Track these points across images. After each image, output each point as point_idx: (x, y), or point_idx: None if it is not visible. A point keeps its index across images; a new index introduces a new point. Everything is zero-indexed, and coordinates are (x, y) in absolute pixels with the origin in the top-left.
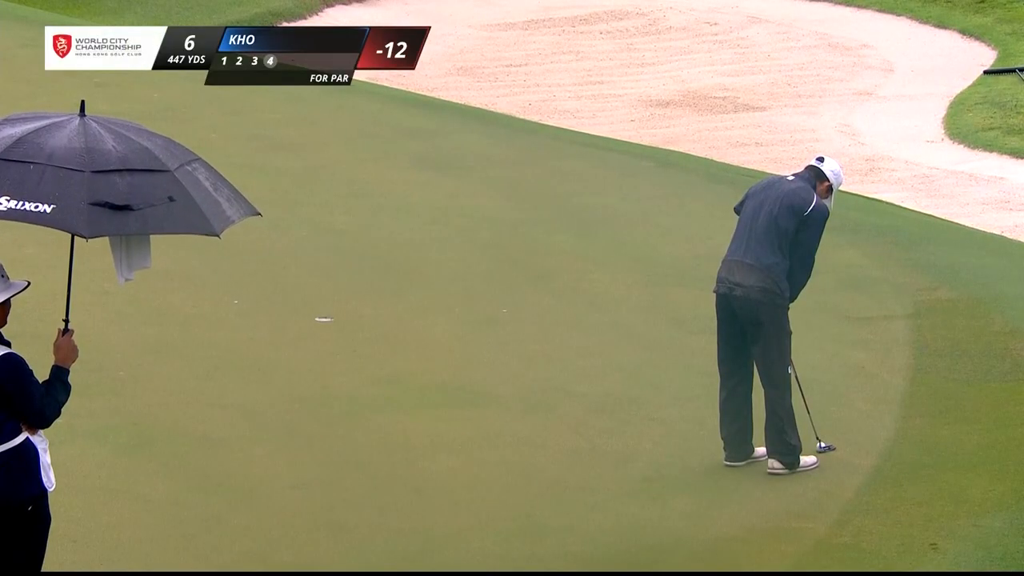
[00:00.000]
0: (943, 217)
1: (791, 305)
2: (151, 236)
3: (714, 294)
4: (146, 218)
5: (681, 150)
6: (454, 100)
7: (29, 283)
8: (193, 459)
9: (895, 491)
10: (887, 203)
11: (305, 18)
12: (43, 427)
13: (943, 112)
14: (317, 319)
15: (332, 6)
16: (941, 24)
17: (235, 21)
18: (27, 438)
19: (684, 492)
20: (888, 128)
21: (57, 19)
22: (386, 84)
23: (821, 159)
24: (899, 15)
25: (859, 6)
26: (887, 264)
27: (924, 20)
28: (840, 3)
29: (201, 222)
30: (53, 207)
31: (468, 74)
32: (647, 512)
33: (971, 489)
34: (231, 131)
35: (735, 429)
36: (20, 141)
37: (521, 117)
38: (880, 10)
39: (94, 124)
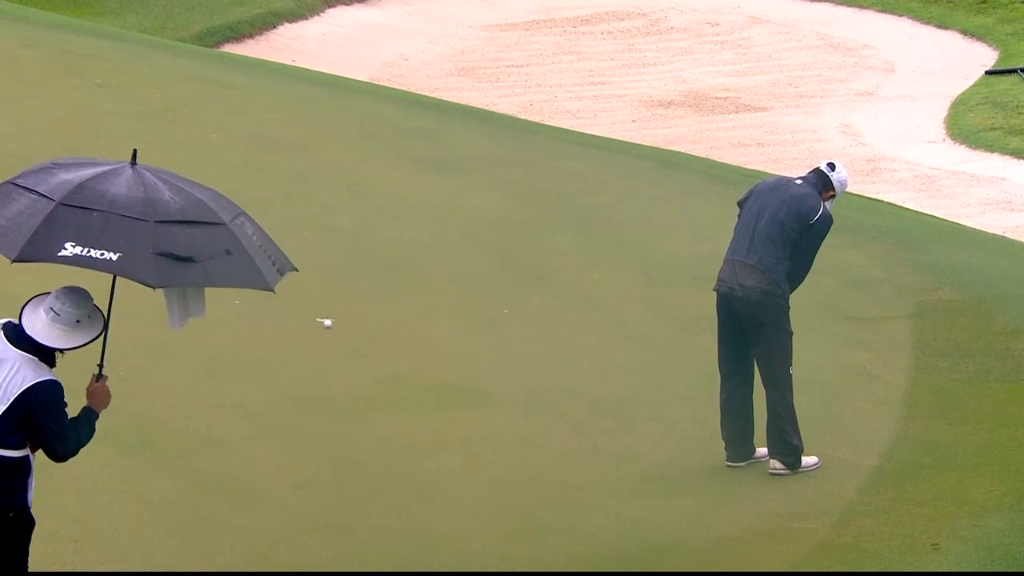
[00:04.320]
0: (944, 217)
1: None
2: (204, 292)
3: (714, 292)
4: (207, 271)
5: (682, 150)
6: (455, 101)
7: (106, 327)
8: (194, 459)
9: (896, 491)
10: (888, 203)
11: (307, 19)
12: (54, 459)
13: (944, 112)
14: (318, 320)
15: (334, 6)
16: (942, 24)
17: (236, 22)
18: (28, 455)
19: (685, 492)
20: (889, 128)
21: (59, 20)
22: (387, 84)
23: (832, 166)
24: (900, 15)
25: (860, 6)
26: (888, 264)
27: (925, 20)
28: (841, 3)
29: (257, 277)
30: (119, 256)
31: (469, 75)
32: (648, 512)
33: (973, 489)
34: (232, 131)
35: (736, 429)
36: (80, 187)
37: (522, 118)
38: (881, 10)
39: (148, 174)
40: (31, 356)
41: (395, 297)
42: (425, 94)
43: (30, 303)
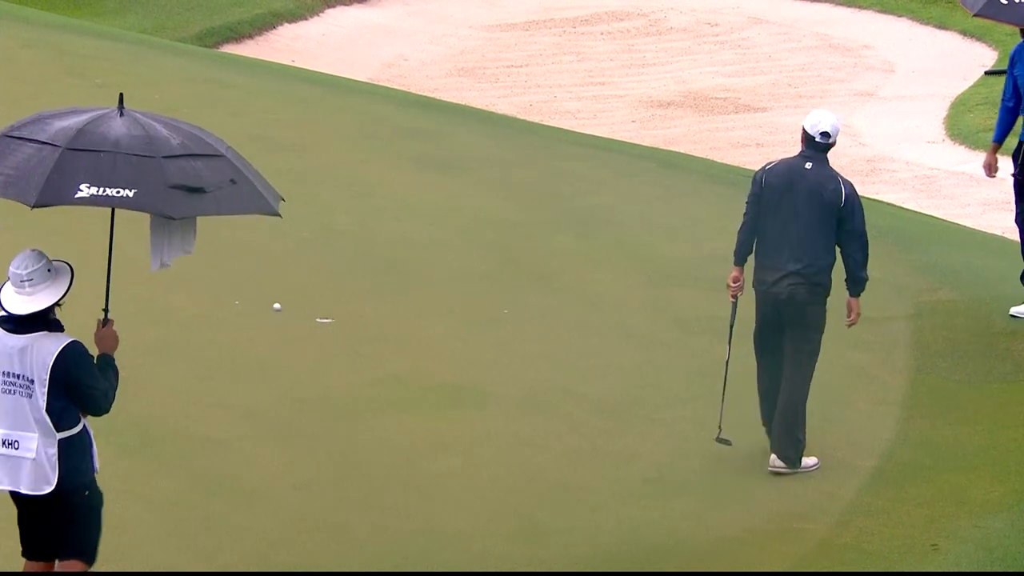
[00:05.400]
0: (944, 218)
1: (865, 288)
2: (196, 224)
3: (754, 290)
4: (218, 200)
5: (682, 151)
6: (455, 101)
7: (72, 270)
8: (194, 459)
9: (896, 492)
10: (888, 204)
11: (306, 19)
12: (100, 414)
13: (944, 113)
14: (318, 320)
15: (333, 7)
16: (942, 25)
17: (236, 22)
18: (85, 425)
19: (685, 493)
20: (889, 129)
21: (59, 20)
22: (387, 85)
23: (826, 135)
24: (900, 16)
25: (860, 7)
26: (888, 265)
27: (925, 21)
28: (841, 4)
29: (262, 203)
30: (135, 191)
31: (469, 75)
32: (648, 513)
33: (972, 490)
34: (232, 132)
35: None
36: (81, 132)
37: (522, 118)
38: (881, 11)
39: (138, 115)
40: (41, 332)
41: (395, 297)
42: (425, 94)
43: (2, 299)
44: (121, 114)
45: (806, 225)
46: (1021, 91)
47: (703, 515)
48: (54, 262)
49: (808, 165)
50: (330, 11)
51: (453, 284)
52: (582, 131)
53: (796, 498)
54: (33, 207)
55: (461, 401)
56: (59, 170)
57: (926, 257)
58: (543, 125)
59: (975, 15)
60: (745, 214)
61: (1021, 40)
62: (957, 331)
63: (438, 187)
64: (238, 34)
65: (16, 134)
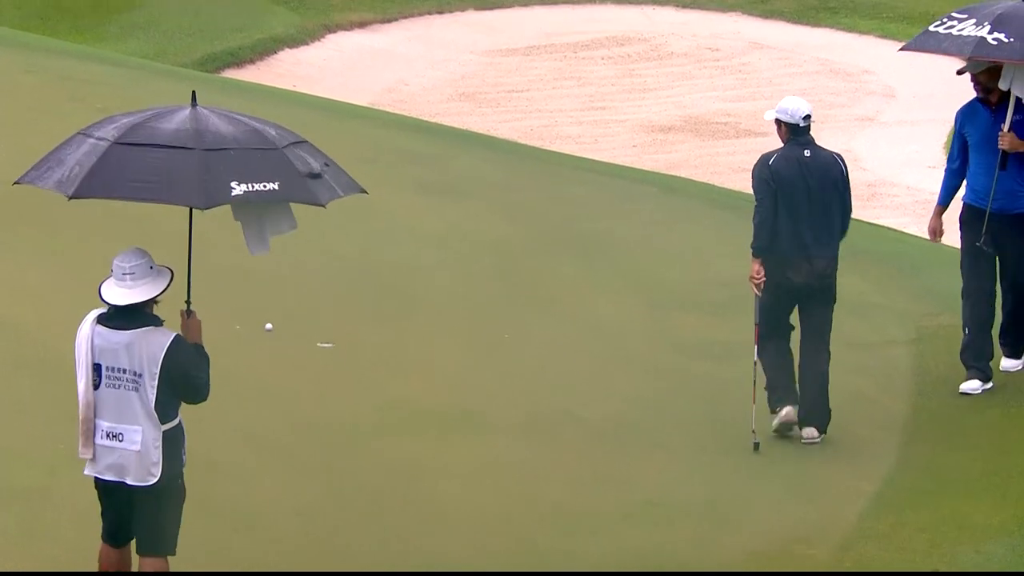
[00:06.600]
0: (945, 243)
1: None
2: (290, 204)
3: (763, 280)
4: (329, 184)
5: (683, 175)
6: (456, 126)
7: (172, 273)
8: (194, 484)
9: (897, 517)
10: (889, 229)
11: (307, 44)
12: (201, 402)
13: (944, 138)
14: (319, 344)
15: (334, 32)
16: None
17: (237, 48)
18: (181, 419)
19: (687, 518)
20: (890, 153)
21: (60, 46)
22: (388, 110)
23: (808, 117)
24: (901, 41)
25: (861, 32)
26: (889, 290)
27: None
28: (842, 29)
29: (352, 183)
30: (279, 183)
31: (470, 100)
32: (650, 538)
33: (973, 515)
34: None
35: (793, 388)
36: (199, 132)
37: (523, 143)
38: (882, 36)
39: (218, 110)
40: (145, 327)
41: (396, 322)
42: (426, 119)
43: (103, 292)
44: (193, 106)
45: (824, 208)
46: (968, 153)
47: (704, 539)
48: (156, 264)
49: (807, 152)
50: (331, 36)
51: (454, 309)
52: (583, 156)
53: (797, 522)
54: (204, 209)
55: (462, 426)
56: (207, 171)
57: (927, 282)
58: (544, 150)
59: (969, 59)
60: (760, 209)
61: (973, 99)
62: (958, 356)
63: (439, 211)
64: (239, 59)
65: (129, 140)
